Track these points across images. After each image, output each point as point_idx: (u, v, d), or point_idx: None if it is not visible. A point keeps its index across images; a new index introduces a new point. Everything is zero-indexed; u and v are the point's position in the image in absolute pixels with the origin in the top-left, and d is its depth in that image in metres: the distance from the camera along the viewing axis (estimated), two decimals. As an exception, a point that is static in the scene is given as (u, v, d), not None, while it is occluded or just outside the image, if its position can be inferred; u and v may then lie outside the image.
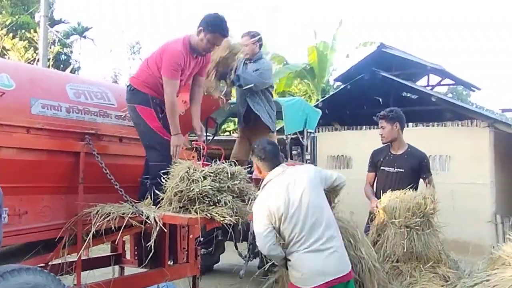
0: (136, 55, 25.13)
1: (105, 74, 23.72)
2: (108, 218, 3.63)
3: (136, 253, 5.17)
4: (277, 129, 6.24)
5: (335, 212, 3.79)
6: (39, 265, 3.57)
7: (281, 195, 3.27)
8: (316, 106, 10.46)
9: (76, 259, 3.93)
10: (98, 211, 3.72)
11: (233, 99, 6.17)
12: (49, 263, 3.86)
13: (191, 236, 5.11)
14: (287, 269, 3.41)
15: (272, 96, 5.96)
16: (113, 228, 3.68)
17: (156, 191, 3.85)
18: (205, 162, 5.11)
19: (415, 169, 4.92)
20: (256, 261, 6.92)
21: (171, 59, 3.97)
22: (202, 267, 5.66)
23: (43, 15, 13.37)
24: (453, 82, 13.99)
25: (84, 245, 3.80)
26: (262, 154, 3.44)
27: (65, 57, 22.02)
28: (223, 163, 4.11)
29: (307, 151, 8.56)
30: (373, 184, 5.17)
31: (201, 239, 6.42)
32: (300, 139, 8.28)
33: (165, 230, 3.79)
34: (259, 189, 3.57)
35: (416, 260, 4.05)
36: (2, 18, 18.72)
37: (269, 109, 5.71)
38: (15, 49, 16.38)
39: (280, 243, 3.34)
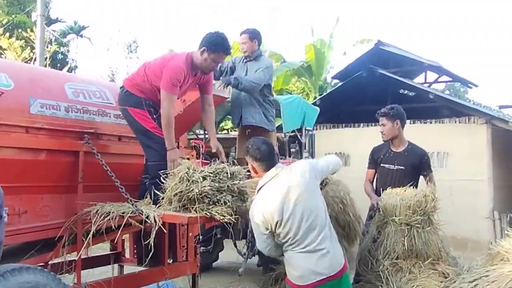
0: (133, 54, 25.11)
1: (102, 73, 23.72)
2: (108, 217, 3.63)
3: (135, 251, 5.19)
4: (276, 126, 6.23)
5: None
6: (38, 265, 3.58)
7: (275, 202, 3.26)
8: (314, 103, 10.47)
9: (76, 258, 3.94)
10: (98, 210, 3.72)
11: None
12: (49, 262, 3.86)
13: (190, 234, 5.13)
14: None
15: (272, 94, 5.94)
16: (113, 227, 3.68)
17: (156, 191, 3.86)
18: (204, 161, 5.12)
19: (416, 167, 4.93)
20: (255, 259, 6.94)
21: (172, 74, 4.00)
22: (201, 265, 5.67)
23: (40, 14, 13.36)
24: (450, 79, 14.02)
25: (85, 244, 3.80)
26: (257, 154, 3.38)
27: (62, 56, 21.97)
28: (223, 162, 4.13)
29: (305, 148, 8.59)
30: (372, 181, 5.18)
31: (200, 237, 6.42)
32: (298, 136, 8.31)
33: (165, 231, 3.79)
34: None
35: (416, 257, 4.06)
36: (-1, 18, 18.69)
37: (266, 109, 5.66)
38: (12, 48, 16.37)
39: (280, 241, 3.36)
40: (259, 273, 6.43)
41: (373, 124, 9.55)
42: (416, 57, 12.00)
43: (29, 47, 16.55)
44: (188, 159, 4.82)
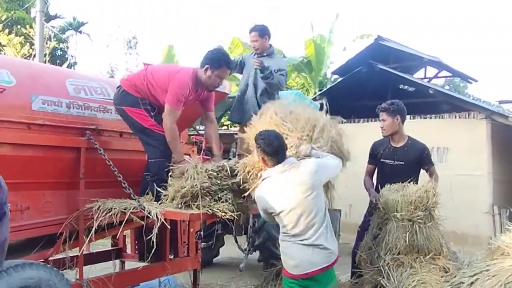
0: (132, 50, 25.06)
1: (102, 70, 23.70)
2: (110, 214, 3.65)
3: (136, 247, 5.21)
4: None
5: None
6: (40, 260, 3.60)
7: (275, 198, 3.42)
8: (314, 99, 10.46)
9: (78, 254, 3.95)
10: (99, 206, 3.74)
11: (232, 93, 6.16)
12: (52, 258, 3.88)
13: (191, 230, 5.15)
14: None
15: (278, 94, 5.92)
16: (115, 223, 3.70)
17: (157, 188, 3.88)
18: (205, 157, 5.14)
19: (416, 161, 4.92)
20: (256, 254, 6.96)
21: (178, 90, 4.04)
22: (202, 261, 5.69)
23: (39, 10, 13.33)
24: (450, 74, 14.01)
25: (87, 240, 3.82)
26: (269, 149, 3.44)
27: (61, 52, 21.92)
28: (224, 158, 4.14)
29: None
30: (372, 176, 5.19)
31: (201, 233, 6.45)
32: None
33: (168, 226, 3.81)
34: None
35: (417, 252, 4.07)
36: (-3, 14, 18.64)
37: None
38: (11, 44, 16.31)
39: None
40: (260, 268, 6.46)
41: (373, 119, 9.56)
42: (416, 52, 11.99)
43: (28, 44, 16.50)
44: (189, 155, 4.85)
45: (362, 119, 10.56)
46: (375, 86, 10.92)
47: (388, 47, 11.56)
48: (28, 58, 14.70)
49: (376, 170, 5.16)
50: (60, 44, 21.35)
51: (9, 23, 18.58)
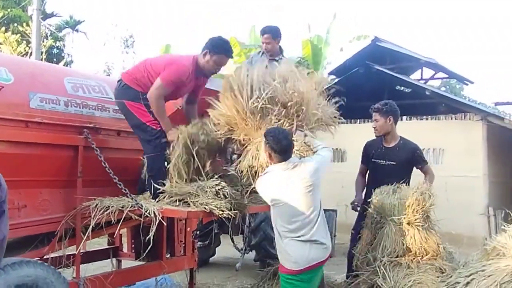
0: (129, 49, 24.98)
1: (98, 68, 23.60)
2: (107, 212, 3.66)
3: (133, 246, 5.20)
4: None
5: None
6: (36, 258, 3.60)
7: (274, 193, 3.61)
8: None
9: (74, 252, 3.95)
10: (97, 204, 3.74)
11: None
12: (48, 257, 3.88)
13: (188, 229, 5.15)
14: None
15: None
16: (112, 221, 3.70)
17: (155, 184, 3.89)
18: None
19: (408, 161, 4.94)
20: (252, 254, 6.97)
21: (176, 71, 4.06)
22: (198, 260, 5.69)
23: (36, 8, 13.30)
24: (447, 76, 14.05)
25: (84, 238, 3.82)
26: (277, 147, 3.57)
27: (58, 51, 21.85)
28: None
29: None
30: (365, 175, 5.23)
31: (198, 232, 6.44)
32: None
33: (164, 223, 3.81)
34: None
35: (415, 254, 4.09)
36: (-6, 12, 18.57)
37: None
38: (8, 42, 16.26)
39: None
40: (256, 268, 6.47)
41: (370, 120, 9.49)
42: (413, 53, 12.02)
43: (24, 42, 16.46)
44: None
45: (358, 120, 10.58)
46: (371, 87, 10.93)
47: (384, 48, 11.59)
48: (25, 56, 14.65)
49: (368, 170, 5.19)
50: (56, 42, 21.27)
51: (6, 21, 18.52)
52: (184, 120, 4.31)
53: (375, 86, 10.94)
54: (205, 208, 3.59)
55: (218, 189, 3.69)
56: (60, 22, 23.81)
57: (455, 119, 9.95)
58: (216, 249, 7.72)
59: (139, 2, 52.77)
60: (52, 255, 3.94)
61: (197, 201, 3.63)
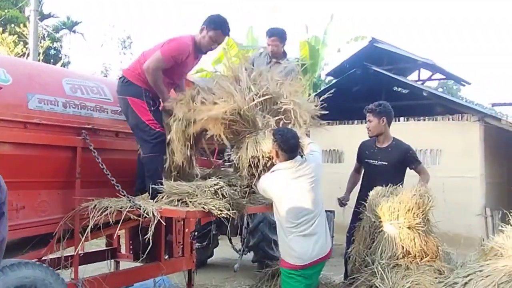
0: (127, 49, 24.97)
1: (96, 69, 23.57)
2: (106, 213, 3.65)
3: (131, 247, 5.20)
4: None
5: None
6: (34, 260, 3.59)
7: (282, 189, 3.77)
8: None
9: (73, 254, 3.95)
10: (95, 205, 3.74)
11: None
12: (47, 257, 3.87)
13: (186, 230, 5.15)
14: None
15: None
16: (111, 222, 3.70)
17: (152, 185, 3.89)
18: (215, 160, 5.12)
19: (401, 162, 4.93)
20: (250, 255, 6.97)
21: (177, 47, 4.09)
22: (197, 262, 5.69)
23: (33, 9, 13.28)
24: (444, 77, 14.08)
25: (82, 239, 3.81)
26: (285, 146, 3.73)
27: (55, 52, 21.82)
28: (219, 158, 4.16)
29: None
30: (359, 172, 5.31)
31: (196, 233, 6.44)
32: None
33: (163, 223, 3.81)
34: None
35: (414, 257, 4.08)
36: (-9, 13, 18.54)
37: None
38: (5, 43, 16.23)
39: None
40: (254, 269, 6.47)
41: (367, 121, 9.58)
42: (410, 54, 12.03)
43: (22, 43, 16.42)
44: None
45: (356, 121, 10.59)
46: (369, 88, 10.95)
47: (382, 49, 11.60)
48: (22, 57, 14.62)
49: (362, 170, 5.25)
50: (53, 43, 21.25)
51: (3, 22, 18.51)
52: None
53: (373, 87, 10.96)
54: (203, 207, 3.59)
55: (217, 189, 3.70)
56: (57, 23, 23.82)
57: (452, 120, 9.97)
58: (214, 250, 7.72)
59: (136, 3, 52.75)
60: (51, 256, 3.94)
61: (195, 201, 3.64)
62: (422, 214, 4.10)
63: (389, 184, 4.47)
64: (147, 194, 3.96)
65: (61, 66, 17.26)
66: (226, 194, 3.67)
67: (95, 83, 4.39)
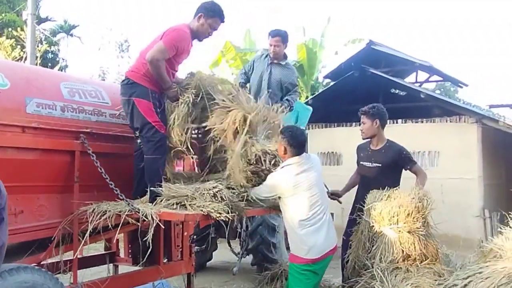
0: (124, 53, 24.98)
1: (93, 73, 23.57)
2: (104, 216, 3.64)
3: (130, 251, 5.19)
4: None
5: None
6: (33, 264, 3.58)
7: (295, 182, 3.91)
8: (306, 103, 10.49)
9: (72, 258, 3.93)
10: (94, 209, 3.73)
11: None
12: (46, 262, 3.86)
13: (185, 233, 5.14)
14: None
15: None
16: (110, 226, 3.69)
17: (152, 188, 3.88)
18: None
19: (395, 163, 4.92)
20: (249, 258, 6.96)
21: (178, 37, 4.10)
22: (196, 265, 5.68)
23: (31, 13, 13.24)
24: (441, 79, 14.08)
25: (82, 243, 3.80)
26: (295, 142, 3.94)
27: (52, 55, 21.81)
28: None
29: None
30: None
31: (195, 236, 6.43)
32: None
33: (162, 226, 3.80)
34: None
35: (414, 260, 4.08)
36: (-12, 17, 18.53)
37: None
38: (2, 47, 16.22)
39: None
40: (253, 272, 6.47)
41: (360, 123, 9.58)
42: (408, 57, 12.05)
43: (19, 46, 16.41)
44: None
45: (354, 123, 10.59)
46: (366, 90, 10.95)
47: (379, 51, 11.61)
48: (19, 61, 14.61)
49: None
50: (51, 47, 21.24)
51: (0, 26, 18.48)
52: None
53: (370, 89, 10.97)
54: (202, 211, 3.59)
55: (216, 192, 3.70)
56: (54, 26, 23.85)
57: (450, 121, 9.98)
58: (213, 253, 7.72)
59: (134, 6, 52.74)
60: (50, 260, 3.93)
61: (194, 204, 3.63)
62: (422, 218, 4.09)
63: (385, 187, 4.47)
64: (145, 197, 3.95)
65: (58, 70, 17.27)
66: (225, 197, 3.66)
67: (93, 87, 4.39)
